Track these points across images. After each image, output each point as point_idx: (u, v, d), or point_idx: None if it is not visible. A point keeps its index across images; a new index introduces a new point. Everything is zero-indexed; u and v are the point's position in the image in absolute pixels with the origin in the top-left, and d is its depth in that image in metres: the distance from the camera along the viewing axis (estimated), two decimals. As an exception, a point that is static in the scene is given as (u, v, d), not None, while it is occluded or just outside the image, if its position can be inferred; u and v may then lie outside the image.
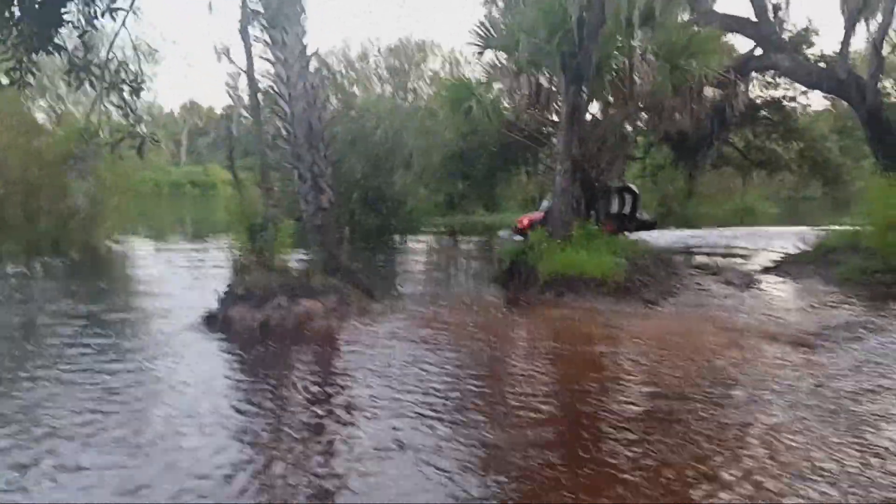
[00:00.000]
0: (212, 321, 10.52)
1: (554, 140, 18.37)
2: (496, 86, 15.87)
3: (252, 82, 12.11)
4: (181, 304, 12.16)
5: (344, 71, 35.52)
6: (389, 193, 27.36)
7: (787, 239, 17.89)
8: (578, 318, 10.96)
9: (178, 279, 15.27)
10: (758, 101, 22.72)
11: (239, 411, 6.99)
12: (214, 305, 10.94)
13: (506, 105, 15.98)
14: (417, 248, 22.01)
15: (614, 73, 13.74)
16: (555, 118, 15.99)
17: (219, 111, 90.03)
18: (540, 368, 8.36)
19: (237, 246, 11.19)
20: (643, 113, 16.65)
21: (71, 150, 23.16)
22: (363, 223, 23.75)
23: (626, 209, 23.05)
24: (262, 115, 12.68)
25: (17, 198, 22.87)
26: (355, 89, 32.79)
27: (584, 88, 13.68)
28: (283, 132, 12.60)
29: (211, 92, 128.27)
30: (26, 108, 23.75)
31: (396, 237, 24.81)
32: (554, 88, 14.52)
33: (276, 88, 12.53)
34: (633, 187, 22.83)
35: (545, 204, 22.08)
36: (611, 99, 14.94)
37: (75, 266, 19.12)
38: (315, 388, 7.81)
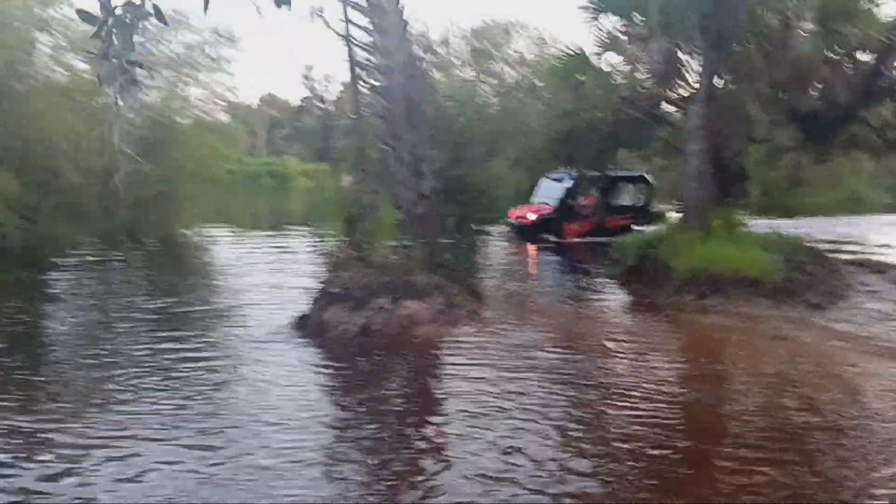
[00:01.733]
0: (304, 324, 9.11)
1: (674, 118, 16.43)
2: (609, 58, 13.96)
3: (350, 49, 10.60)
4: (267, 304, 10.84)
5: (425, 55, 34.02)
6: (472, 182, 25.80)
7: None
8: (739, 327, 9.11)
9: (261, 274, 13.98)
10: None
11: (347, 460, 5.46)
12: (304, 305, 9.57)
13: (621, 80, 14.08)
14: (501, 241, 20.20)
15: (761, 38, 11.68)
16: (681, 92, 14.04)
17: (296, 103, 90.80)
18: (734, 408, 6.40)
19: (332, 238, 9.69)
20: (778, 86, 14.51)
21: (150, 138, 22.43)
22: (443, 215, 22.13)
23: (641, 201, 21.02)
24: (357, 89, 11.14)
25: (94, 188, 22.30)
26: (436, 74, 31.15)
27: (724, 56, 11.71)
28: (380, 109, 11.06)
29: (288, 85, 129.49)
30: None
31: (472, 226, 23.18)
32: (685, 57, 12.56)
33: (372, 59, 11.02)
34: (648, 176, 20.82)
35: (546, 191, 20.37)
36: (749, 69, 12.85)
37: (153, 256, 18.20)
38: (437, 423, 6.23)
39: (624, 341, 8.71)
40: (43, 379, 7.28)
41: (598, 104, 13.43)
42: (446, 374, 7.44)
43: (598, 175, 18.51)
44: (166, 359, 7.96)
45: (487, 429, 5.80)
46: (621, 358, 7.93)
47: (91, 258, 17.05)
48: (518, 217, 20.64)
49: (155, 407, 6.36)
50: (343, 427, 6.08)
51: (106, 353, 8.37)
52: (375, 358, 7.97)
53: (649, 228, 20.74)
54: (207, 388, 6.93)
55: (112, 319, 10.28)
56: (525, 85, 21.32)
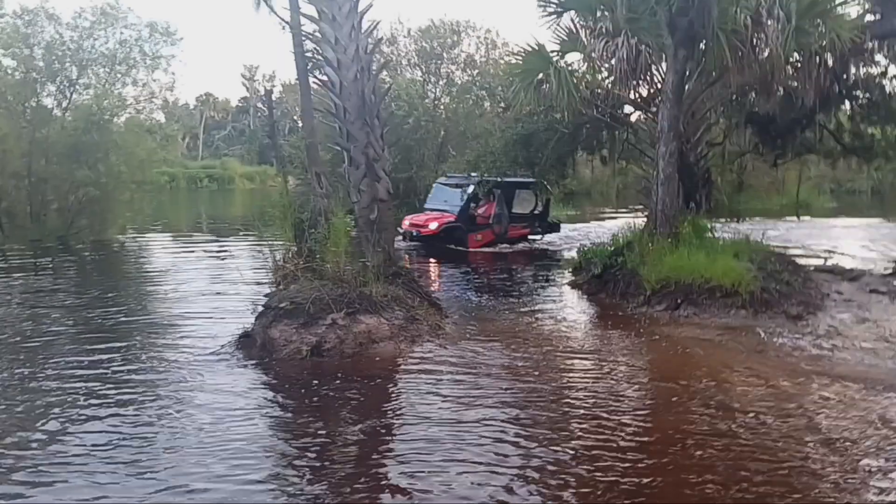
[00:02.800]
0: (248, 343, 8.18)
1: (635, 119, 15.97)
2: (569, 58, 13.35)
3: (297, 39, 9.72)
4: (206, 318, 9.87)
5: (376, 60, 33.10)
6: (422, 186, 25.14)
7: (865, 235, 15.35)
8: (720, 341, 8.53)
9: (200, 283, 12.94)
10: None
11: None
12: (248, 319, 8.67)
13: (585, 77, 13.50)
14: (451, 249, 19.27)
15: (731, 36, 11.19)
16: (642, 92, 13.58)
17: (235, 103, 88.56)
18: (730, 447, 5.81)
19: (279, 246, 8.77)
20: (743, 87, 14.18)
21: (81, 140, 21.07)
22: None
23: (538, 209, 20.13)
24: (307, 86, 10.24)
25: (22, 192, 20.82)
26: (384, 74, 30.28)
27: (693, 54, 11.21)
28: (332, 107, 10.22)
29: (226, 84, 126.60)
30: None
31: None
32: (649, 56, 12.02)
33: (321, 52, 10.17)
34: (545, 183, 19.28)
35: (444, 198, 18.98)
36: (718, 68, 12.41)
37: (84, 263, 16.90)
38: (400, 460, 5.42)
39: (596, 360, 8.02)
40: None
41: (559, 105, 12.78)
42: (408, 401, 6.62)
43: (498, 181, 17.90)
44: (87, 381, 6.98)
45: (451, 464, 5.07)
46: (594, 381, 7.23)
47: (16, 266, 15.68)
48: (414, 226, 18.49)
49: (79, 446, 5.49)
50: (293, 466, 5.22)
51: (27, 371, 7.37)
52: (329, 383, 7.09)
53: (545, 238, 20.28)
54: (128, 427, 5.97)
55: (33, 334, 9.22)
56: (479, 85, 20.45)
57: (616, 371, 7.52)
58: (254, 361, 7.78)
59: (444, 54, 32.96)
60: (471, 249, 17.93)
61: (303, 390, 6.95)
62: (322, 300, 8.12)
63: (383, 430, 5.98)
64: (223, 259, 16.88)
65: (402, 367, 7.67)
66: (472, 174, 18.77)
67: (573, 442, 5.57)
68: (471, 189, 18.32)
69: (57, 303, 11.37)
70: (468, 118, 27.14)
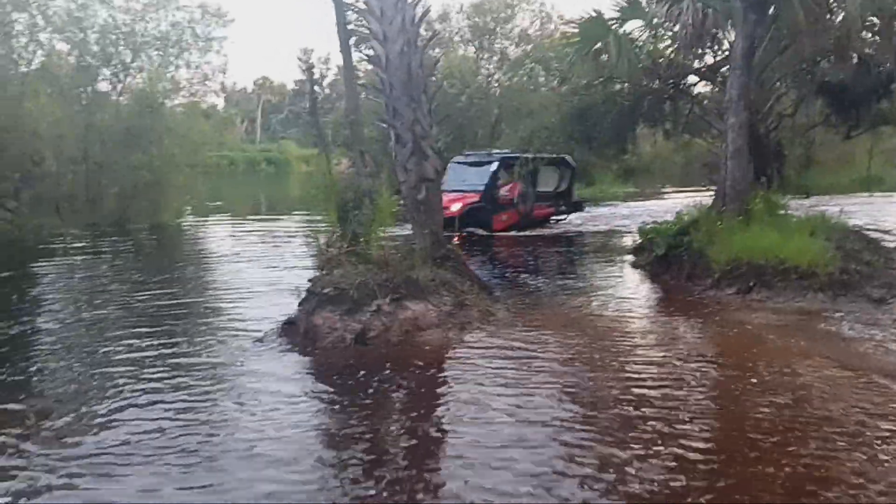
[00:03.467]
0: (291, 330, 7.84)
1: (700, 90, 15.12)
2: (629, 27, 12.58)
3: (340, 11, 9.28)
4: (255, 304, 9.59)
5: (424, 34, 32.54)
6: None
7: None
8: (796, 327, 7.83)
9: (251, 268, 12.69)
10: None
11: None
12: (295, 305, 8.35)
13: (647, 46, 12.73)
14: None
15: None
16: (708, 60, 12.77)
17: (291, 87, 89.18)
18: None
19: (323, 230, 8.37)
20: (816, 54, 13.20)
21: (135, 124, 21.19)
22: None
23: (563, 187, 19.00)
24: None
25: (80, 177, 21.05)
26: (434, 51, 29.80)
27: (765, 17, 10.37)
28: (378, 82, 9.77)
29: (284, 68, 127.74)
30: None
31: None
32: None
33: (367, 25, 9.71)
34: (569, 159, 18.32)
35: (464, 177, 17.23)
36: (791, 33, 11.52)
37: (138, 249, 16.94)
38: (449, 462, 4.98)
39: (662, 349, 7.42)
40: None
41: (619, 75, 12.07)
42: (457, 395, 6.16)
43: (524, 157, 16.71)
44: (135, 365, 6.76)
45: (502, 463, 4.61)
46: (659, 371, 6.64)
47: (74, 251, 15.79)
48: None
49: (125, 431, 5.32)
50: (336, 460, 4.86)
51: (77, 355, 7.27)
52: (374, 373, 6.69)
53: (570, 217, 19.33)
54: (172, 413, 5.71)
55: (86, 317, 9.20)
56: (535, 58, 19.65)
57: (684, 361, 6.91)
58: (297, 349, 7.44)
59: (498, 29, 32.24)
60: (495, 232, 16.82)
61: (346, 380, 6.56)
62: (367, 286, 7.71)
63: (430, 425, 5.54)
64: (275, 243, 16.67)
65: (451, 356, 7.21)
66: (494, 151, 17.47)
67: (637, 440, 5.03)
68: (495, 167, 17.13)
69: (109, 287, 11.30)
70: (521, 94, 26.42)
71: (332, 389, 6.45)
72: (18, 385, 6.54)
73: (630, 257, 12.73)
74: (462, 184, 17.07)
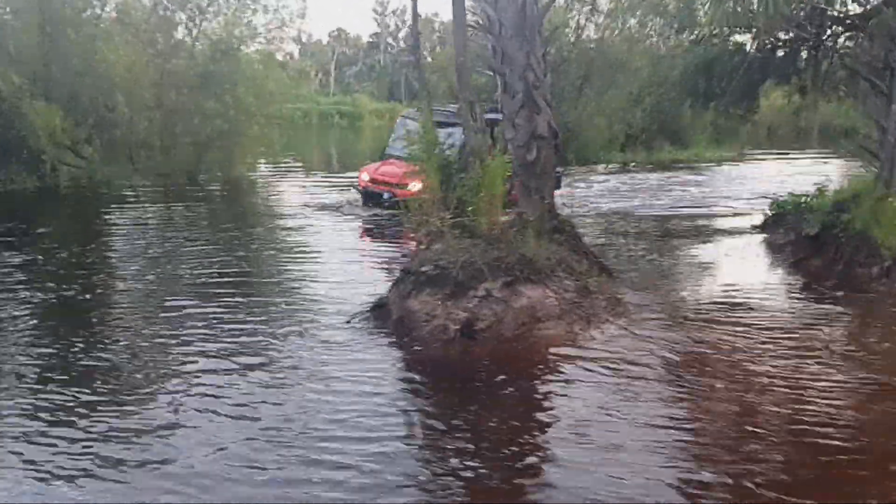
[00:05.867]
0: (383, 314, 6.60)
1: (843, 42, 13.04)
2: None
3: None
4: (336, 278, 8.40)
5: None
6: (562, 123, 22.75)
7: None
8: None
9: (332, 232, 11.51)
10: None
11: None
12: (385, 282, 7.15)
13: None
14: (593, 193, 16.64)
15: None
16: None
17: (366, 39, 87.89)
18: None
19: (421, 197, 7.02)
20: None
21: (209, 70, 20.23)
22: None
23: None
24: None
25: (154, 125, 20.27)
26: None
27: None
28: (484, 21, 8.29)
29: (358, 20, 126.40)
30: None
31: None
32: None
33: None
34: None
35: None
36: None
37: (211, 204, 16.04)
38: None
39: (825, 354, 5.88)
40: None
41: (755, 21, 10.25)
42: (588, 407, 4.84)
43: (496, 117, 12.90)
44: (207, 340, 5.88)
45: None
46: (825, 384, 5.16)
47: (147, 202, 15.01)
48: (381, 182, 12.50)
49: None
50: (430, 471, 3.84)
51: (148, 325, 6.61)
52: (483, 374, 5.40)
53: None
54: (252, 395, 4.96)
55: (155, 281, 8.50)
56: (639, 4, 17.58)
57: (854, 373, 5.38)
58: (390, 338, 6.21)
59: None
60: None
61: (448, 382, 5.40)
62: (473, 265, 6.36)
63: (548, 445, 4.32)
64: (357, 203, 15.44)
65: (579, 356, 5.82)
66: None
67: (794, 469, 3.71)
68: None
69: (178, 245, 10.31)
70: (614, 47, 24.26)
71: (431, 394, 5.29)
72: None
73: (758, 235, 11.04)
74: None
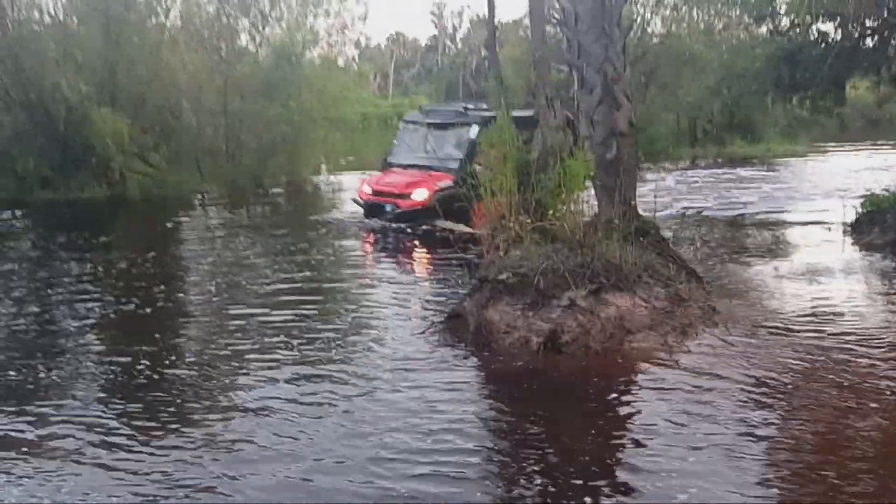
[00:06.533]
0: (458, 324, 6.23)
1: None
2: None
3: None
4: (405, 284, 8.11)
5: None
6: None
7: None
8: None
9: (393, 238, 11.20)
10: None
11: None
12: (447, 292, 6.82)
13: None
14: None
15: None
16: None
17: (423, 42, 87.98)
18: None
19: (496, 198, 6.64)
20: None
21: (273, 75, 20.28)
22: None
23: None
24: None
25: (219, 131, 20.40)
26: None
27: None
28: (559, 13, 7.86)
29: (416, 23, 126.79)
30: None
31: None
32: None
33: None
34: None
35: (423, 145, 12.29)
36: None
37: (277, 208, 16.00)
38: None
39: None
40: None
41: (836, 10, 9.56)
42: (692, 433, 4.36)
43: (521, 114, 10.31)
44: (280, 348, 5.85)
45: None
46: None
47: (214, 209, 15.04)
48: (383, 194, 11.48)
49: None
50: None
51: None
52: (570, 391, 4.99)
53: None
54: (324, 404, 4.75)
55: (223, 284, 8.39)
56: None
57: None
58: (468, 350, 5.84)
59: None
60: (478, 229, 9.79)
61: (534, 398, 4.99)
62: (555, 271, 5.94)
63: (646, 478, 3.81)
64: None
65: (676, 372, 5.33)
66: (468, 106, 12.23)
67: None
68: (475, 131, 10.96)
69: (251, 251, 10.18)
70: (681, 40, 23.34)
71: (516, 409, 4.86)
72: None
73: (847, 236, 10.29)
74: (423, 156, 11.96)
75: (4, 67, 16.24)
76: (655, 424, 4.48)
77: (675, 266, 7.17)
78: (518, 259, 6.15)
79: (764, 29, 13.01)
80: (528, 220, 6.22)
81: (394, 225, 11.21)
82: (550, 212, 6.31)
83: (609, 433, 4.50)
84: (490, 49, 7.51)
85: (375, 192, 11.65)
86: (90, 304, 7.44)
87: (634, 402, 4.92)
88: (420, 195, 10.90)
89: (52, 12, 17.77)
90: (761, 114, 25.93)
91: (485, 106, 12.66)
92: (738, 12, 14.97)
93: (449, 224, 10.40)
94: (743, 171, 19.30)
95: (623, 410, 4.86)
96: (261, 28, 21.53)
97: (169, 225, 13.08)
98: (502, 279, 6.02)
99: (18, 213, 13.82)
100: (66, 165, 16.65)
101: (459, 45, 79.35)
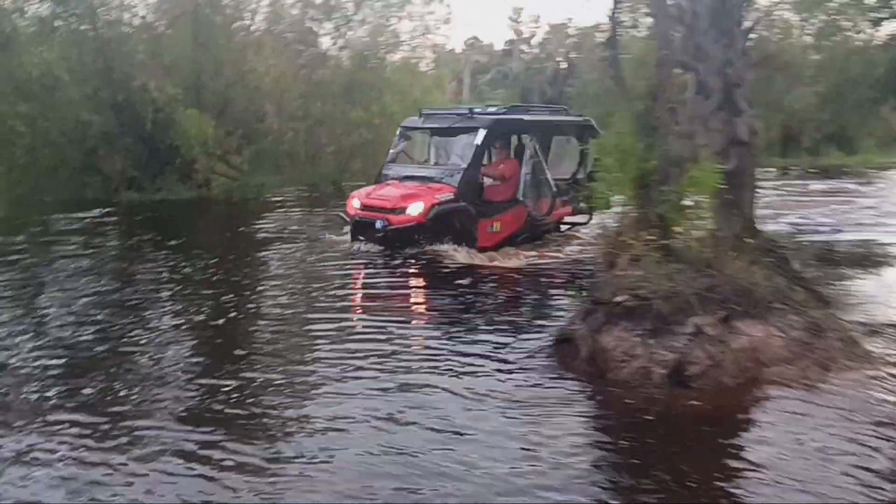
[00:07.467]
0: (568, 350, 5.69)
1: None
2: None
3: None
4: (503, 299, 7.64)
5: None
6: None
7: None
8: None
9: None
10: None
11: None
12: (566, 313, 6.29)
13: None
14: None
15: None
16: None
17: (499, 47, 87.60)
18: None
19: (615, 212, 6.09)
20: None
21: (354, 79, 20.17)
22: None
23: (583, 170, 11.06)
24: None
25: (300, 134, 20.40)
26: None
27: None
28: (677, 10, 7.25)
29: (492, 28, 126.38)
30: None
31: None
32: None
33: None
34: (594, 124, 10.79)
35: (424, 154, 11.16)
36: None
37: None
38: None
39: None
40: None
41: None
42: (848, 485, 3.73)
43: (536, 119, 10.58)
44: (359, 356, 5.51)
45: None
46: None
47: (299, 214, 14.92)
48: (375, 208, 9.79)
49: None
50: None
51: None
52: (700, 432, 4.42)
53: (584, 221, 11.29)
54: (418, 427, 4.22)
55: (296, 291, 8.16)
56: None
57: None
58: (581, 379, 5.29)
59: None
60: (483, 250, 9.66)
61: (661, 437, 4.40)
62: (680, 295, 5.34)
63: None
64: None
65: (822, 412, 4.67)
66: (475, 108, 10.75)
67: None
68: (481, 136, 10.00)
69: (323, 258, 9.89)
70: (772, 44, 22.21)
71: (637, 454, 4.27)
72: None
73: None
74: (422, 167, 10.77)
75: (94, 68, 16.52)
76: (803, 480, 3.86)
77: (805, 290, 6.48)
78: (638, 279, 5.56)
79: (882, 33, 12.06)
80: (651, 237, 5.63)
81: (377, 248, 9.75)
82: (674, 227, 5.71)
83: (748, 484, 3.90)
84: (612, 49, 6.82)
85: (364, 207, 9.92)
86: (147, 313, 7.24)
87: (780, 453, 4.28)
88: (416, 209, 9.44)
89: (142, 15, 18.06)
90: (860, 124, 24.56)
91: (496, 106, 11.54)
92: (854, 12, 13.99)
93: (446, 248, 9.42)
94: (849, 184, 18.07)
95: (763, 458, 4.22)
96: (343, 31, 21.45)
97: (242, 227, 12.98)
98: (619, 301, 5.45)
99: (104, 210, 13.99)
100: (152, 166, 16.86)
101: (536, 50, 78.62)
